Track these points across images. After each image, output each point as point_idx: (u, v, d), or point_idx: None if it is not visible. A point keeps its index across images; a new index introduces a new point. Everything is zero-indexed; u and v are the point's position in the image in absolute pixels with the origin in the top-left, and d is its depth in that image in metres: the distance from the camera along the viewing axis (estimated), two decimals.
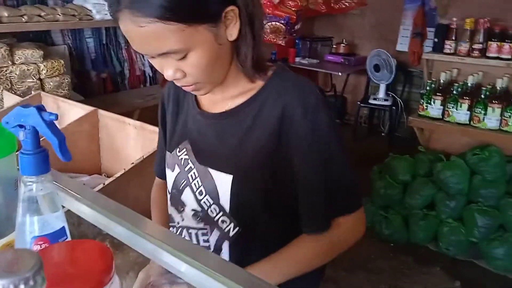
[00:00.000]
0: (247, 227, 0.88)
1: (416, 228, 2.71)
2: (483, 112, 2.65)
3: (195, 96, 0.93)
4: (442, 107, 2.80)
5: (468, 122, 2.72)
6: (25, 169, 0.53)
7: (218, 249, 0.90)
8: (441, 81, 2.82)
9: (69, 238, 0.58)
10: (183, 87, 0.82)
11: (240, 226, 0.88)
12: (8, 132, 0.56)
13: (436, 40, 2.99)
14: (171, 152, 0.96)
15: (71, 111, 1.97)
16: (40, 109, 0.54)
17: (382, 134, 4.47)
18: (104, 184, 1.36)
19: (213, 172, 0.87)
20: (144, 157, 1.45)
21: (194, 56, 0.74)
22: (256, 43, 0.80)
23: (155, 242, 0.68)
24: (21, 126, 0.54)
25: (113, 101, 3.36)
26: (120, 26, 0.72)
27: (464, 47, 2.78)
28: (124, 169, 1.42)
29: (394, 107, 4.15)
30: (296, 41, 4.61)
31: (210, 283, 0.59)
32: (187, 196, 0.92)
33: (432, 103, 2.83)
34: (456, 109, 2.74)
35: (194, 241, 0.92)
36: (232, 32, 0.77)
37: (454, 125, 2.77)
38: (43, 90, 2.62)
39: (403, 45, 4.14)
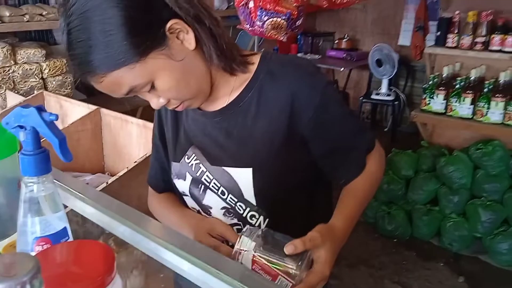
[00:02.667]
0: (276, 215, 0.87)
1: (419, 224, 2.71)
2: (486, 106, 2.63)
3: None
4: (445, 101, 2.78)
5: (471, 117, 2.71)
6: (25, 169, 0.53)
7: None
8: (444, 75, 2.81)
9: (71, 239, 0.58)
10: (176, 109, 0.82)
11: (269, 216, 0.88)
12: (9, 133, 0.57)
13: (438, 33, 2.97)
14: (178, 162, 0.94)
15: (74, 110, 1.98)
16: (40, 109, 0.54)
17: (385, 129, 4.46)
18: (107, 183, 1.37)
19: (230, 169, 0.86)
20: (147, 155, 1.45)
21: (160, 82, 0.74)
22: (216, 38, 0.79)
23: (158, 241, 0.68)
24: (21, 126, 0.54)
25: (116, 99, 3.36)
26: None
27: (466, 40, 2.76)
28: (127, 167, 1.43)
29: (396, 102, 4.13)
30: (298, 36, 4.59)
31: (213, 282, 0.59)
32: (211, 198, 0.90)
33: (434, 97, 2.81)
34: (459, 103, 2.72)
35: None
36: (190, 41, 0.75)
37: (457, 120, 2.75)
38: (46, 89, 2.63)
39: (405, 39, 4.12)
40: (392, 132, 4.22)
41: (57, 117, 0.53)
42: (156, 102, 0.79)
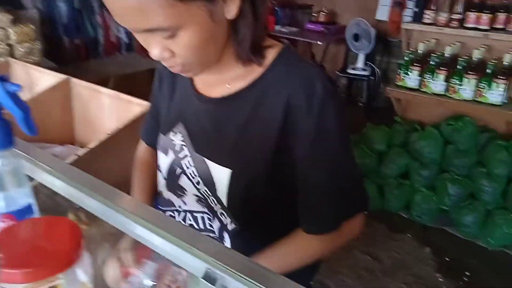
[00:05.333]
0: (245, 224, 0.84)
1: (390, 197, 2.78)
2: (459, 83, 2.68)
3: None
4: (419, 77, 2.82)
5: (444, 93, 2.75)
6: None
7: (221, 237, 0.87)
8: (419, 51, 2.83)
9: (37, 215, 0.57)
10: (170, 68, 0.73)
11: (238, 223, 0.84)
12: None
13: (416, 9, 2.97)
14: (164, 135, 0.89)
15: (43, 79, 1.91)
16: (3, 79, 0.51)
17: (360, 104, 4.50)
18: (78, 155, 1.33)
19: (210, 163, 0.81)
20: (119, 127, 1.42)
21: (185, 35, 0.65)
22: (257, 23, 0.72)
23: (129, 216, 0.67)
24: None
25: (88, 68, 3.26)
26: None
27: (443, 17, 2.78)
28: (99, 139, 1.40)
29: (372, 77, 4.16)
30: (276, 8, 4.52)
31: (185, 256, 0.59)
32: (186, 183, 0.86)
33: (409, 73, 2.84)
34: (433, 80, 2.76)
35: (201, 225, 0.88)
36: (231, 9, 0.68)
37: (431, 96, 2.80)
38: (14, 56, 2.52)
39: (382, 14, 4.11)
40: (367, 107, 4.27)
41: (20, 88, 0.50)
42: (158, 52, 0.68)
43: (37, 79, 1.94)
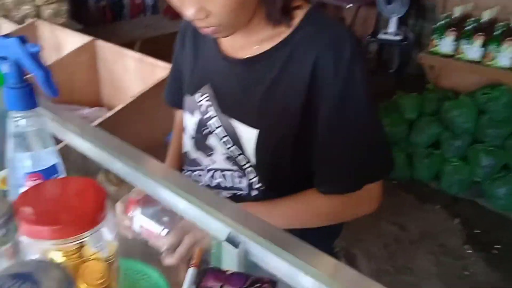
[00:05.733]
0: (271, 184, 0.85)
1: (419, 166, 2.72)
2: (496, 49, 2.54)
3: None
4: (454, 43, 2.69)
5: (480, 60, 2.62)
6: (11, 103, 0.50)
7: (249, 194, 0.88)
8: (455, 15, 2.69)
9: (63, 175, 0.56)
10: (201, 29, 0.73)
11: (263, 182, 0.85)
12: None
13: None
14: (191, 95, 0.90)
15: (69, 41, 1.91)
16: (23, 40, 0.50)
17: (391, 70, 4.36)
18: (103, 117, 1.34)
19: (237, 124, 0.82)
20: (144, 91, 1.42)
21: None
22: None
23: (154, 179, 0.67)
24: (4, 58, 0.50)
25: (113, 31, 3.25)
26: None
27: None
28: (123, 103, 1.40)
29: (405, 43, 4.00)
30: None
31: (209, 220, 0.59)
32: (214, 142, 0.87)
33: (444, 39, 2.71)
34: (469, 46, 2.63)
35: (229, 182, 0.89)
36: None
37: (466, 63, 2.67)
38: (41, 17, 2.53)
39: None
40: (398, 74, 4.13)
41: (40, 48, 0.49)
42: (193, 12, 0.68)
43: (64, 41, 1.95)
